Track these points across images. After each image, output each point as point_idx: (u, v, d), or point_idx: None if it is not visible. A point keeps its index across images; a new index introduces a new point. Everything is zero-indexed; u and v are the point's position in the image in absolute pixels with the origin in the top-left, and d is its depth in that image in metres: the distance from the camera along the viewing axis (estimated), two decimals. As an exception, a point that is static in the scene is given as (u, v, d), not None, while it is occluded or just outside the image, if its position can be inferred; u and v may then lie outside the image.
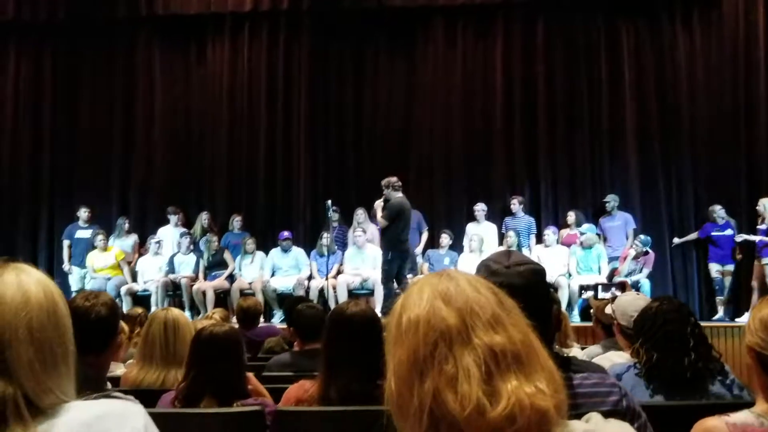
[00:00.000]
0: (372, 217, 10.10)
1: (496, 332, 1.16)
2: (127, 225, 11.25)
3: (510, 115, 11.40)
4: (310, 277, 10.40)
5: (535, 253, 10.23)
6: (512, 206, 10.77)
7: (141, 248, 11.26)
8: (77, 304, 2.63)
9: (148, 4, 11.64)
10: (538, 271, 1.85)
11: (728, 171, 10.74)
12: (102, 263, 10.65)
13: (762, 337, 1.79)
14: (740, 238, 9.95)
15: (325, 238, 10.24)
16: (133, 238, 11.28)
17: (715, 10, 11.01)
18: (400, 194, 9.33)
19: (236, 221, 11.10)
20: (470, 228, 10.71)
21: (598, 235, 10.36)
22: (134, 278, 10.75)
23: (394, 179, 9.37)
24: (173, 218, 11.16)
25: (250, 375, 3.13)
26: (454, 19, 11.57)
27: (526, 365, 1.15)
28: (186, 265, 10.62)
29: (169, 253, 10.85)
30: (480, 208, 10.72)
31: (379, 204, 9.39)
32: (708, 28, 11.07)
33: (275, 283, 10.39)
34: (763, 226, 9.73)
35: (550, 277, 9.38)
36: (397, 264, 9.30)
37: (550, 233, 10.42)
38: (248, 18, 11.80)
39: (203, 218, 11.13)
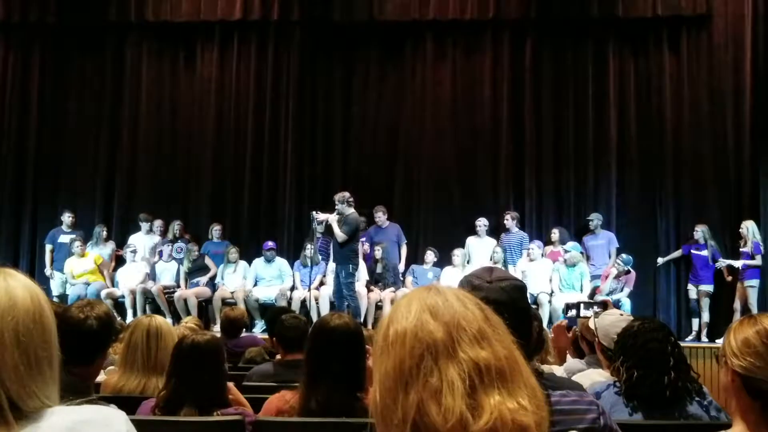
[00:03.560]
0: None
1: (481, 347, 1.18)
2: (104, 233, 11.16)
3: (497, 130, 11.44)
4: (292, 288, 10.39)
5: (520, 267, 10.27)
6: (506, 222, 10.78)
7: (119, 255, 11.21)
8: (71, 314, 2.62)
9: (138, 10, 11.60)
10: (520, 288, 1.88)
11: (712, 193, 10.82)
12: (81, 269, 10.58)
13: (750, 360, 1.76)
14: (724, 263, 10.03)
15: (309, 249, 10.21)
16: (110, 246, 11.18)
17: (704, 35, 11.10)
18: (352, 209, 9.51)
19: (215, 230, 11.05)
20: (470, 242, 10.74)
21: (582, 253, 10.40)
22: (112, 285, 10.69)
23: (347, 194, 9.58)
24: (145, 225, 11.11)
25: (231, 385, 3.12)
26: (444, 34, 11.60)
27: (510, 381, 1.17)
28: (167, 272, 10.59)
29: (143, 260, 10.82)
30: (482, 224, 10.73)
31: (333, 219, 9.44)
32: (696, 53, 11.16)
33: (258, 293, 10.36)
34: (746, 249, 9.81)
35: (532, 292, 9.42)
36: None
37: (534, 247, 10.44)
38: (238, 27, 11.79)
39: (175, 227, 11.06)
